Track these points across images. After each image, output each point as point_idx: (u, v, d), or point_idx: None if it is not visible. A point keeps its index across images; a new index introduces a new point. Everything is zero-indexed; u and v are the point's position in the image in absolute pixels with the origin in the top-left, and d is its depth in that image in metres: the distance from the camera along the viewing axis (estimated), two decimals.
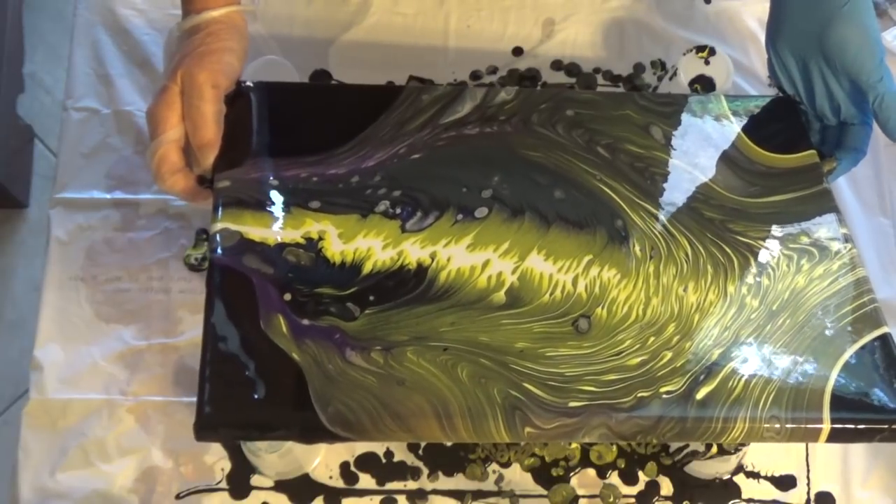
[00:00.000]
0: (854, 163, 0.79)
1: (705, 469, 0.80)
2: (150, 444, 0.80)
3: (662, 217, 0.72)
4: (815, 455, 0.82)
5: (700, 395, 0.64)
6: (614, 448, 0.81)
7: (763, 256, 0.72)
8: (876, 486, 0.82)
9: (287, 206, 0.68)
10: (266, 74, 0.85)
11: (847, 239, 0.74)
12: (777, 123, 0.80)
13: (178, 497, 0.79)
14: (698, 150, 0.77)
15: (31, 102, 1.56)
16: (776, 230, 0.74)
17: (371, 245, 0.67)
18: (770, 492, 0.81)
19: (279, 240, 0.67)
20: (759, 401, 0.64)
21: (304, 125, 0.73)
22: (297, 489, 0.80)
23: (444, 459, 0.80)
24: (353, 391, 0.60)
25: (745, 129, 0.79)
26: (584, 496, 0.80)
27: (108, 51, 0.92)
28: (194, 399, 0.82)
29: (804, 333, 0.68)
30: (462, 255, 0.67)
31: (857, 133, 0.78)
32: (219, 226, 0.67)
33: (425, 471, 0.80)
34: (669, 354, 0.66)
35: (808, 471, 0.82)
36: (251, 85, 0.75)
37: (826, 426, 0.64)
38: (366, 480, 0.80)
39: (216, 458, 0.80)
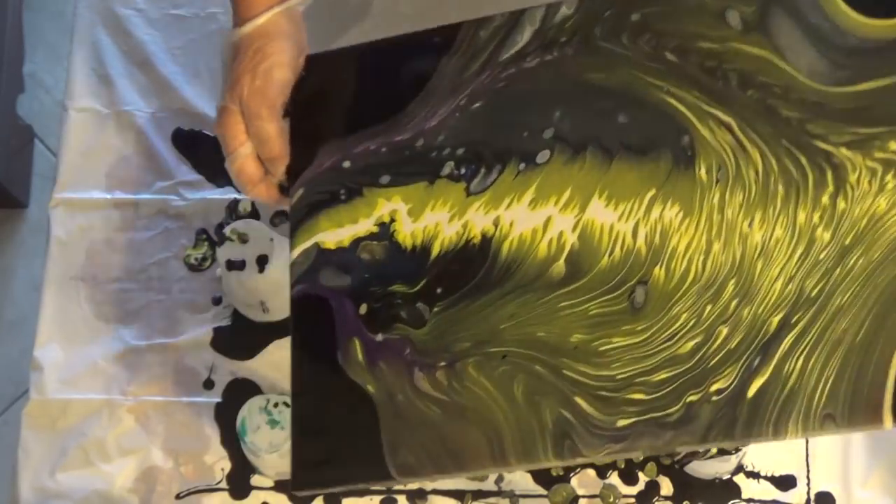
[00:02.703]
0: None
1: (705, 469, 0.80)
2: (150, 444, 0.80)
3: (734, 124, 0.65)
4: (815, 455, 0.82)
5: (752, 390, 0.60)
6: None
7: (842, 170, 0.63)
8: (876, 486, 0.82)
9: (359, 188, 0.68)
10: None
11: None
12: None
13: (178, 497, 0.79)
14: (782, 28, 0.66)
15: (31, 102, 1.55)
16: (862, 132, 0.63)
17: (438, 220, 0.66)
18: (770, 492, 0.81)
19: (353, 234, 0.67)
20: (813, 394, 0.59)
21: (364, 92, 0.71)
22: None
23: None
24: (419, 431, 0.62)
25: None
26: (584, 496, 0.80)
27: (108, 51, 0.92)
28: (194, 399, 0.83)
29: (875, 280, 0.60)
30: (524, 217, 0.66)
31: None
32: (295, 253, 0.67)
33: None
34: (725, 331, 0.61)
35: (808, 471, 0.82)
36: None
37: (887, 422, 0.58)
38: None
39: (216, 458, 0.80)
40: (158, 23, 0.94)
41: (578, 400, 0.61)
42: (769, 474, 0.82)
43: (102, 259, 0.86)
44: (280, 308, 0.83)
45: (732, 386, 0.60)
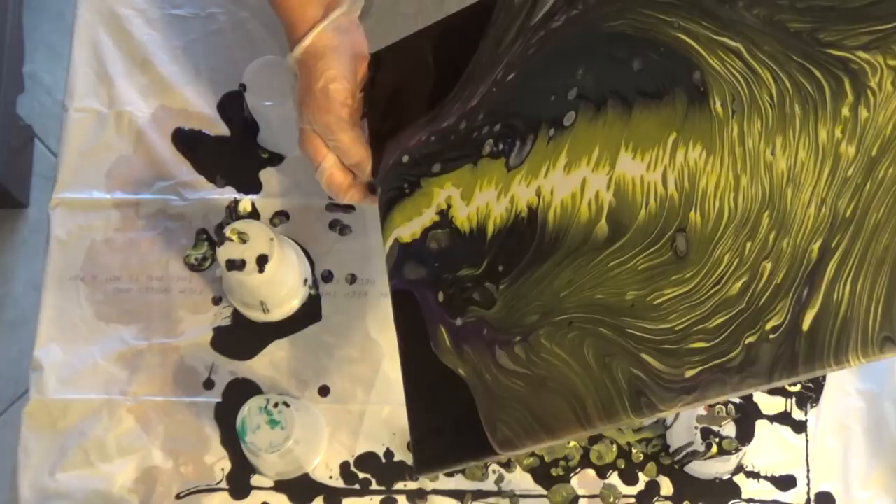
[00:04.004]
0: None
1: (705, 469, 0.80)
2: (150, 444, 0.80)
3: (742, 48, 0.63)
4: (815, 455, 0.82)
5: (806, 323, 0.58)
6: (614, 448, 0.81)
7: (862, 75, 0.60)
8: (876, 486, 0.82)
9: (417, 180, 0.71)
10: (266, 74, 0.85)
11: None
12: None
13: (178, 497, 0.79)
14: None
15: (31, 102, 1.56)
16: (880, 28, 0.60)
17: (488, 199, 0.68)
18: (770, 492, 0.81)
19: (422, 225, 0.70)
20: (868, 318, 0.57)
21: (416, 82, 0.73)
22: (297, 489, 0.80)
23: None
24: (510, 406, 0.65)
25: None
26: (584, 496, 0.80)
27: (108, 51, 0.92)
28: (194, 399, 0.83)
29: None
30: (561, 182, 0.66)
31: None
32: (385, 249, 0.71)
33: None
34: (769, 266, 0.60)
35: (808, 471, 0.82)
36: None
37: None
38: (366, 480, 0.80)
39: (216, 458, 0.80)
40: (158, 23, 0.94)
41: (645, 357, 0.62)
42: (769, 474, 0.82)
43: (102, 259, 0.86)
44: (280, 308, 0.83)
45: (787, 321, 0.59)
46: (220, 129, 0.90)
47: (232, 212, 0.87)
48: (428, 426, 0.67)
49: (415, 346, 0.68)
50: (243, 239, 0.79)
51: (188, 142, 0.90)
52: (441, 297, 0.68)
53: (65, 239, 0.87)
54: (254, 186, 0.88)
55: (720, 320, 0.61)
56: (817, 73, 0.62)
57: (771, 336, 0.59)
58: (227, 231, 0.79)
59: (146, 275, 0.86)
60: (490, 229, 0.68)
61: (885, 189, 0.59)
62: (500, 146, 0.68)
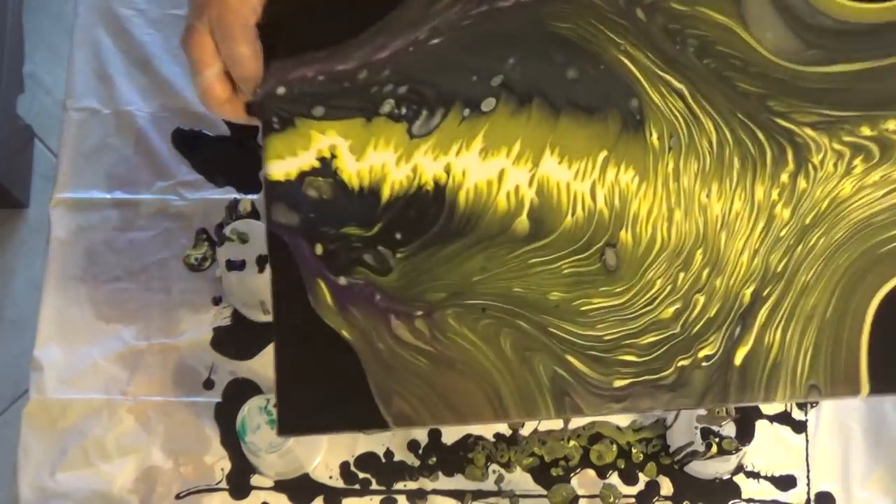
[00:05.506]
0: None
1: (705, 469, 0.80)
2: (150, 444, 0.80)
3: (686, 91, 0.64)
4: (815, 455, 0.82)
5: (738, 358, 0.61)
6: (614, 448, 0.81)
7: (805, 149, 0.62)
8: (876, 486, 0.82)
9: (290, 118, 0.65)
10: None
11: None
12: None
13: (178, 497, 0.79)
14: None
15: (31, 102, 1.56)
16: (831, 114, 0.63)
17: (384, 161, 0.64)
18: (770, 492, 0.81)
19: (298, 168, 0.64)
20: (796, 364, 0.61)
21: (321, 12, 0.67)
22: (297, 489, 0.80)
23: (445, 459, 0.80)
24: (409, 381, 0.62)
25: None
26: (584, 496, 0.80)
27: (108, 51, 0.92)
28: (194, 399, 0.83)
29: (836, 261, 0.61)
30: (476, 166, 0.64)
31: None
32: (262, 175, 0.65)
33: (425, 471, 0.80)
34: (702, 299, 0.62)
35: (808, 471, 0.82)
36: None
37: (864, 393, 0.60)
38: (366, 480, 0.80)
39: (216, 458, 0.80)
40: (158, 23, 0.94)
41: (570, 358, 0.62)
42: (769, 474, 0.82)
43: (102, 259, 0.86)
44: None
45: (719, 353, 0.61)
46: (220, 129, 0.90)
47: (232, 212, 0.87)
48: (302, 385, 0.63)
49: (291, 295, 0.63)
50: (243, 239, 0.79)
51: (188, 142, 0.90)
52: (319, 249, 0.63)
53: (65, 239, 0.87)
54: (254, 186, 0.88)
55: (652, 339, 0.62)
56: (761, 136, 0.63)
57: (704, 364, 0.62)
58: (227, 231, 0.79)
59: (146, 275, 0.86)
60: (385, 193, 0.64)
61: (815, 256, 0.62)
62: (403, 110, 0.65)
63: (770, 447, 0.82)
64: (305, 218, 0.64)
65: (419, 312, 0.62)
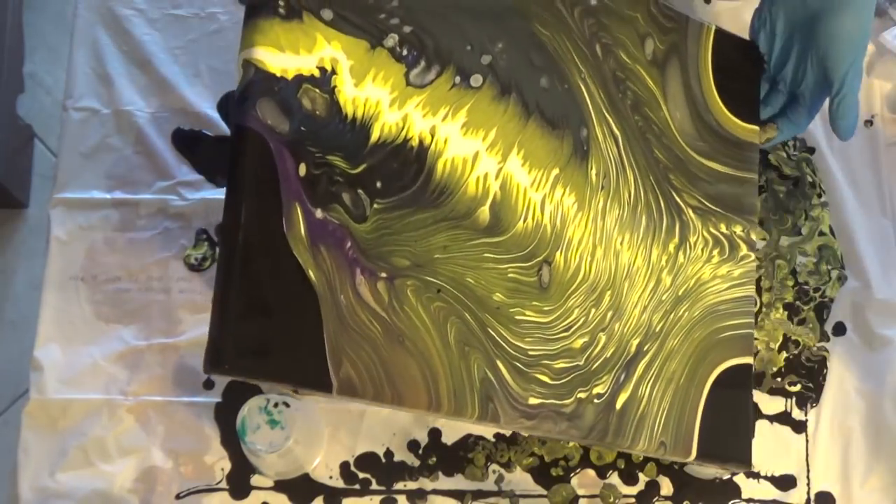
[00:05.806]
0: (790, 136, 0.79)
1: (705, 469, 0.80)
2: (150, 444, 0.81)
3: (620, 139, 0.68)
4: (815, 455, 0.82)
5: (619, 403, 0.66)
6: None
7: (687, 228, 0.69)
8: (876, 486, 0.82)
9: (299, 11, 0.60)
10: None
11: (753, 248, 0.71)
12: (741, 79, 0.75)
13: (178, 497, 0.80)
14: (673, 78, 0.72)
15: (31, 102, 1.55)
16: (705, 203, 0.70)
17: (380, 98, 0.62)
18: (770, 492, 0.81)
19: (297, 69, 0.60)
20: (656, 419, 0.67)
21: None
22: (297, 489, 0.80)
23: (445, 459, 0.80)
24: (360, 346, 0.59)
25: (716, 69, 0.73)
26: (584, 496, 0.80)
27: (108, 51, 0.92)
28: (194, 399, 0.83)
29: (692, 336, 0.69)
30: (457, 139, 0.64)
31: (801, 111, 0.77)
32: (239, 61, 0.59)
33: (425, 471, 0.80)
34: (604, 339, 0.67)
35: (808, 471, 0.82)
36: None
37: (692, 458, 0.69)
38: (366, 480, 0.80)
39: (216, 458, 0.80)
40: (158, 23, 0.94)
41: (500, 364, 0.64)
42: (769, 474, 0.82)
43: (102, 259, 0.86)
44: None
45: (607, 394, 0.66)
46: (220, 129, 0.90)
47: None
48: (252, 316, 0.56)
49: (263, 211, 0.57)
50: None
51: (188, 142, 0.90)
52: (303, 170, 0.58)
53: (65, 239, 0.87)
54: None
55: (563, 365, 0.66)
56: (662, 204, 0.69)
57: (595, 400, 0.66)
58: None
59: (146, 275, 0.86)
60: (375, 133, 0.61)
61: (681, 326, 0.69)
62: (404, 51, 0.63)
63: (770, 447, 0.82)
64: (296, 129, 0.59)
65: (383, 274, 0.60)
